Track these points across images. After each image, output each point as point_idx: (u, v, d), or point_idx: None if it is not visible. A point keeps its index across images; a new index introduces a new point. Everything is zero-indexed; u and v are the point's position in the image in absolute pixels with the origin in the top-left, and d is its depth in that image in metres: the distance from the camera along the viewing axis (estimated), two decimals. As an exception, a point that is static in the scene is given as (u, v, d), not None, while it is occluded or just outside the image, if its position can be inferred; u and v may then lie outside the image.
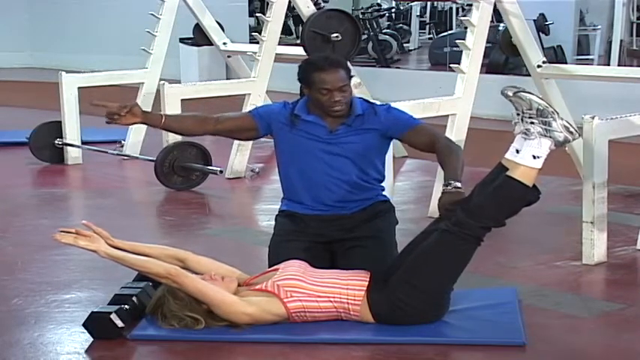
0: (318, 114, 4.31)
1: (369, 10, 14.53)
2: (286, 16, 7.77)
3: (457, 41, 6.35)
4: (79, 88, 8.06)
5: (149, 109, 8.18)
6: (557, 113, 3.98)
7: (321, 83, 4.22)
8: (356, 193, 4.34)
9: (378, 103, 4.50)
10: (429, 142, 4.30)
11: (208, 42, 8.94)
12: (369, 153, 4.34)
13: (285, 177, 4.44)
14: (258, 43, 7.54)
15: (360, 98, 4.46)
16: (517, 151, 3.98)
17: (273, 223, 4.50)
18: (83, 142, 8.06)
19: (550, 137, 3.94)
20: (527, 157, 3.93)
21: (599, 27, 11.49)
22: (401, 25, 15.41)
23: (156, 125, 4.43)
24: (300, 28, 13.81)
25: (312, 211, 4.35)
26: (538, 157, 3.93)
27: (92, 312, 3.91)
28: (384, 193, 4.48)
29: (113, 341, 3.84)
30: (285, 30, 7.76)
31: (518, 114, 4.00)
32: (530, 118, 3.95)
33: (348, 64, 4.42)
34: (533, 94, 4.07)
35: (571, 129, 3.99)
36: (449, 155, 4.18)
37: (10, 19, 14.99)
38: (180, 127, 4.54)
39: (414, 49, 15.02)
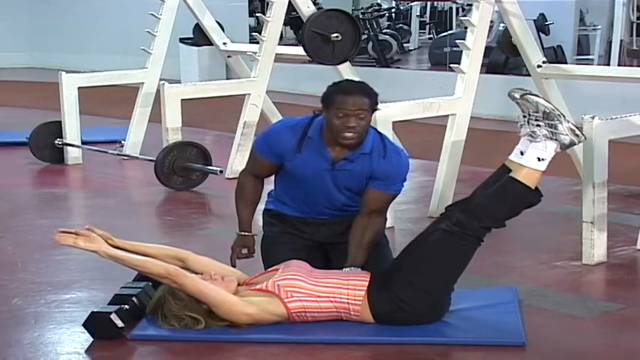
0: (327, 141, 4.14)
1: (369, 10, 14.54)
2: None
3: (457, 41, 6.35)
4: (79, 88, 8.05)
5: (149, 109, 8.22)
6: (564, 116, 4.00)
7: (340, 104, 4.04)
8: (349, 210, 4.28)
9: (394, 143, 4.31)
10: (370, 210, 4.16)
11: (208, 42, 8.93)
12: (365, 182, 4.19)
13: (280, 184, 4.38)
14: (258, 43, 7.54)
15: (375, 131, 4.23)
16: (521, 153, 3.99)
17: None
18: (83, 142, 8.05)
19: (556, 140, 3.96)
20: (532, 159, 3.94)
21: (599, 27, 11.51)
22: (401, 25, 15.43)
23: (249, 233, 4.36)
24: (292, 32, 13.92)
25: (302, 214, 4.32)
26: (543, 160, 3.95)
27: (92, 312, 3.91)
28: None
29: (113, 341, 3.84)
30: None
31: (524, 116, 4.01)
32: (536, 120, 3.97)
33: (377, 96, 4.18)
34: (540, 96, 4.08)
35: (577, 132, 4.00)
36: (367, 235, 4.13)
37: (10, 19, 15.00)
38: (254, 208, 4.39)
39: (414, 49, 15.04)
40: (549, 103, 4.03)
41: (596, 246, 4.90)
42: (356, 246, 4.14)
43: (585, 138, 4.21)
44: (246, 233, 4.34)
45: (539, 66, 6.57)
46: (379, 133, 4.27)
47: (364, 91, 4.13)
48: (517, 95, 4.02)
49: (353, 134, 4.07)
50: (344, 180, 4.19)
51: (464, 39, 6.21)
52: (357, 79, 5.55)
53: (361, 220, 4.18)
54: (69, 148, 7.98)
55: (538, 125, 3.96)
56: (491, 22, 7.54)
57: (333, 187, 4.21)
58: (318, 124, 4.19)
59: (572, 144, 4.02)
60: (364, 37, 12.02)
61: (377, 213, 4.20)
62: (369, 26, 13.09)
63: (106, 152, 8.00)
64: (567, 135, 3.98)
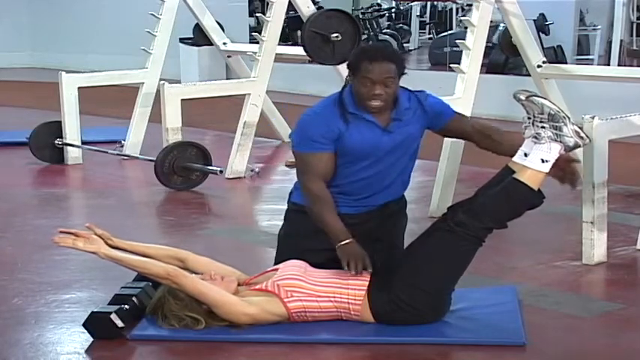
0: (365, 109, 4.02)
1: (369, 10, 14.57)
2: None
3: (457, 41, 6.35)
4: (79, 88, 8.05)
5: (149, 109, 8.21)
6: (569, 118, 3.99)
7: (365, 72, 3.94)
8: (399, 189, 4.19)
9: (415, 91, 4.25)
10: (469, 131, 4.24)
11: (208, 42, 8.94)
12: (415, 145, 4.15)
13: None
14: (258, 43, 7.54)
15: (402, 88, 4.12)
16: (525, 155, 3.99)
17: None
18: (83, 142, 8.05)
19: (560, 142, 3.96)
20: (535, 160, 3.94)
21: (599, 27, 11.52)
22: (401, 25, 15.45)
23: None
24: (292, 33, 13.93)
25: (349, 208, 4.12)
26: (547, 161, 3.95)
27: (92, 312, 3.91)
28: None
29: (113, 341, 3.84)
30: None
31: (529, 118, 4.01)
32: (541, 122, 3.97)
33: (404, 60, 4.08)
34: (545, 98, 4.08)
35: (582, 134, 4.00)
36: (496, 136, 4.23)
37: (10, 19, 15.00)
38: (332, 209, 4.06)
39: (414, 49, 15.05)
40: (554, 105, 4.03)
41: (596, 246, 4.89)
42: (505, 142, 4.21)
43: (590, 140, 4.21)
44: (349, 240, 3.98)
45: (539, 66, 6.58)
46: (403, 87, 4.16)
47: (390, 57, 4.03)
48: (522, 97, 4.01)
49: (379, 102, 3.99)
50: (410, 137, 4.09)
51: (464, 39, 6.21)
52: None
53: (480, 141, 4.26)
54: (69, 148, 7.98)
55: (543, 127, 3.96)
56: (494, 22, 7.54)
57: (403, 152, 4.09)
58: (349, 98, 4.06)
59: (576, 146, 4.02)
60: (364, 37, 12.02)
61: (477, 125, 4.27)
62: (369, 26, 13.11)
63: (106, 152, 8.00)
64: (572, 137, 3.98)
